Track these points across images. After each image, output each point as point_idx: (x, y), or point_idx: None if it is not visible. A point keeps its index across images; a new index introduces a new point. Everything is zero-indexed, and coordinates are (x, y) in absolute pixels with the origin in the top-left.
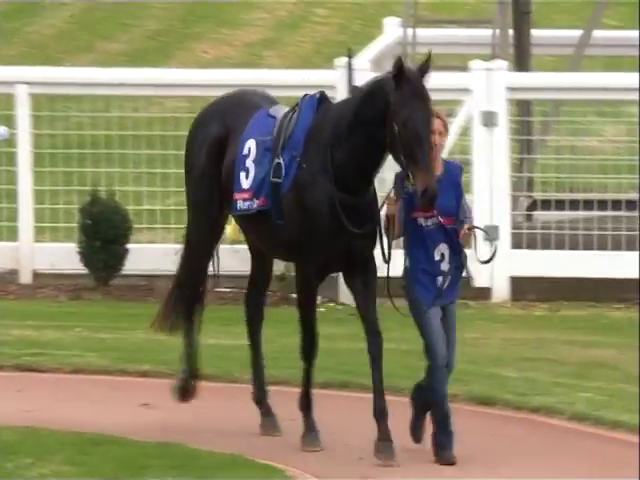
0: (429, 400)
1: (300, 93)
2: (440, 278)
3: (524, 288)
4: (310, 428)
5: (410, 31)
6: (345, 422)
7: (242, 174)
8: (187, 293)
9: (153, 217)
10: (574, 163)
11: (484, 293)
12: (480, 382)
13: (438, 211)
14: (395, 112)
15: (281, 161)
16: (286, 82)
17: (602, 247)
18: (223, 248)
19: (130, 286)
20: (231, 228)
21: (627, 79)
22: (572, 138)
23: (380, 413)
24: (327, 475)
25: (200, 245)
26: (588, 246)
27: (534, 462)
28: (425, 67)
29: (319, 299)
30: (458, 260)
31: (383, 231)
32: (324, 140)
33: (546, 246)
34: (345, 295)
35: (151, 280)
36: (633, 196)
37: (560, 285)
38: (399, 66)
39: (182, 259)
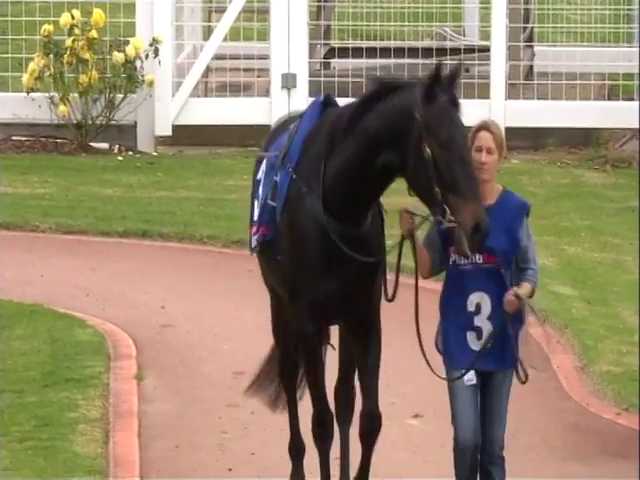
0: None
1: None
2: (471, 335)
3: None
4: None
5: None
6: (146, 271)
7: (255, 202)
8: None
9: None
10: (371, 11)
11: None
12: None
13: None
14: (428, 131)
15: (278, 179)
16: None
17: None
18: (18, 96)
19: None
20: (27, 75)
21: None
22: None
23: None
24: (128, 323)
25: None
26: None
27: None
28: (455, 74)
29: (116, 147)
30: (509, 318)
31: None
32: (318, 150)
33: (344, 94)
34: (143, 143)
35: None
36: (429, 43)
37: None
38: (437, 75)
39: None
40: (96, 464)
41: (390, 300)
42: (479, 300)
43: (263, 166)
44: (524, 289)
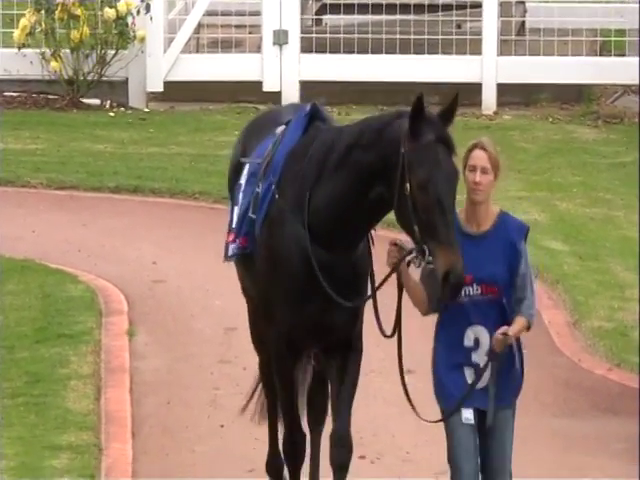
0: None
1: None
2: (469, 371)
3: (314, 92)
4: None
5: None
6: (137, 226)
7: (235, 208)
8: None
9: None
10: None
11: (274, 97)
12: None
13: (477, 277)
14: (409, 168)
15: (260, 190)
16: None
17: (391, 51)
18: (10, 52)
19: None
20: (19, 30)
21: None
22: None
23: None
24: (120, 278)
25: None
26: (377, 50)
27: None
28: (450, 109)
29: (107, 103)
30: (507, 354)
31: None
32: (305, 175)
33: (335, 50)
34: (135, 99)
35: None
36: (421, 0)
37: (350, 89)
38: (419, 106)
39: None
40: (88, 420)
41: (388, 337)
42: (478, 335)
43: (245, 171)
44: (517, 325)
